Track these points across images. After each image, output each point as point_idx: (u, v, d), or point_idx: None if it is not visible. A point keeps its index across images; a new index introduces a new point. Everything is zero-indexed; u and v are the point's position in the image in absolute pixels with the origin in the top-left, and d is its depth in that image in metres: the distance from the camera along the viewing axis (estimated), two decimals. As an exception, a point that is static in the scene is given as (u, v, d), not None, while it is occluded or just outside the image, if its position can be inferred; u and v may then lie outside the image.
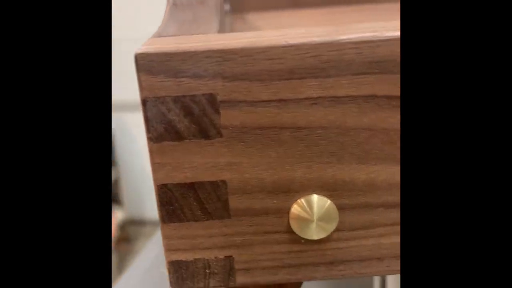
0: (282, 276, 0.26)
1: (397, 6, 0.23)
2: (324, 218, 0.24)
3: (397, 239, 0.25)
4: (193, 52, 0.21)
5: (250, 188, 0.24)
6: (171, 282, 0.26)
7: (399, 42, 0.21)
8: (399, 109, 0.22)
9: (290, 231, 0.25)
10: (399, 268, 0.26)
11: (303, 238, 0.25)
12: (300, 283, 0.31)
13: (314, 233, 0.24)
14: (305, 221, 0.24)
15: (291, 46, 0.21)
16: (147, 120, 0.22)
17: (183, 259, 0.25)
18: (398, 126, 0.23)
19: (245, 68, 0.22)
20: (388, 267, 0.26)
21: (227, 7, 0.55)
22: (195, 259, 0.25)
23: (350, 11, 0.58)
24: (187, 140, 0.23)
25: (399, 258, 0.25)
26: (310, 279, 0.26)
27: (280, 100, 0.22)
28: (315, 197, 0.24)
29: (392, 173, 0.24)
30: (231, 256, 0.25)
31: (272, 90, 0.22)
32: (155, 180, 0.24)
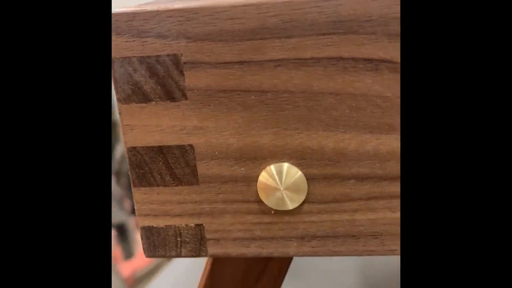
0: (253, 249, 0.25)
1: None
2: (292, 187, 0.23)
3: (372, 215, 0.24)
4: (155, 11, 0.22)
5: (217, 154, 0.24)
6: (144, 249, 0.26)
7: (361, 0, 0.20)
8: (365, 72, 0.21)
9: (259, 200, 0.24)
10: (375, 248, 0.24)
11: (273, 209, 0.24)
12: (289, 260, 0.30)
13: (282, 203, 0.23)
14: (272, 190, 0.23)
15: (252, 5, 0.21)
16: (115, 81, 0.23)
17: (155, 225, 0.25)
18: (366, 91, 0.22)
19: (207, 28, 0.22)
20: (364, 247, 0.24)
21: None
22: (166, 225, 0.25)
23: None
24: (154, 102, 0.23)
25: (377, 237, 0.24)
26: (282, 254, 0.25)
27: (243, 62, 0.22)
28: (282, 165, 0.23)
29: (362, 142, 0.22)
30: (201, 224, 0.25)
31: (235, 51, 0.22)
32: (125, 142, 0.24)
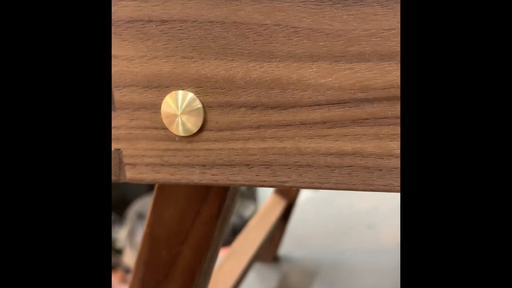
0: (164, 175, 0.27)
1: None
2: (188, 112, 0.25)
3: (263, 144, 0.25)
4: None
5: (128, 82, 0.26)
6: (76, 171, 0.29)
7: None
8: (248, 1, 0.23)
9: (165, 127, 0.26)
10: (268, 179, 0.25)
11: (177, 136, 0.26)
12: (219, 208, 0.32)
13: (181, 128, 0.25)
14: (171, 116, 0.25)
15: None
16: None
17: (83, 149, 0.28)
18: (248, 19, 0.23)
19: (115, -36, 0.25)
20: (258, 176, 0.25)
21: None
22: (91, 149, 0.28)
23: None
24: (77, 33, 0.26)
25: (268, 166, 0.25)
26: (188, 181, 0.27)
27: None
28: (180, 92, 0.25)
29: (248, 70, 0.24)
30: (119, 149, 0.27)
31: (137, -16, 0.24)
32: (58, 70, 0.27)
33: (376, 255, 0.97)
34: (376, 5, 0.21)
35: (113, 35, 0.26)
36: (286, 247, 0.98)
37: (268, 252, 0.93)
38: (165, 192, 0.32)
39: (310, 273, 0.96)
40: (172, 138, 0.26)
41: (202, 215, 0.31)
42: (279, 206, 0.84)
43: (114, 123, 0.27)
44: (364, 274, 0.94)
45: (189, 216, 0.32)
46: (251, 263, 0.68)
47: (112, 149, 0.28)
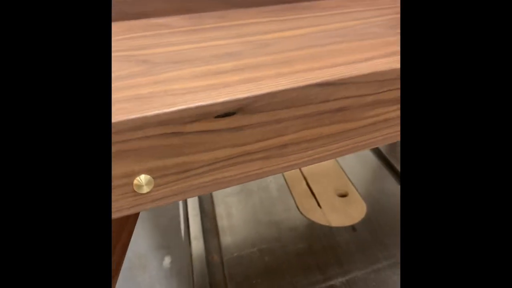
0: (128, 211, 0.53)
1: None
2: (147, 183, 0.52)
3: (184, 184, 0.54)
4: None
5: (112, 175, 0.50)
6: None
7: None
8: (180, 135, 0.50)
9: (134, 191, 0.52)
10: (188, 196, 0.55)
11: (140, 194, 0.52)
12: (137, 215, 0.59)
13: (144, 190, 0.52)
14: (140, 186, 0.51)
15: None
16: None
17: (80, 213, 0.51)
18: (171, 142, 0.51)
19: (106, 128, 0.46)
20: (183, 196, 0.55)
21: None
22: (86, 212, 0.51)
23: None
24: (80, 162, 0.47)
25: (182, 193, 0.55)
26: (144, 209, 0.54)
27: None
28: (142, 175, 0.51)
29: (175, 162, 0.52)
30: (104, 207, 0.51)
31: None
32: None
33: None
34: (230, 127, 0.52)
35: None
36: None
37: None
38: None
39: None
40: (138, 194, 0.52)
41: (128, 224, 0.58)
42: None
43: (101, 196, 0.50)
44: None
45: (121, 225, 0.58)
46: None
47: (100, 208, 0.51)
